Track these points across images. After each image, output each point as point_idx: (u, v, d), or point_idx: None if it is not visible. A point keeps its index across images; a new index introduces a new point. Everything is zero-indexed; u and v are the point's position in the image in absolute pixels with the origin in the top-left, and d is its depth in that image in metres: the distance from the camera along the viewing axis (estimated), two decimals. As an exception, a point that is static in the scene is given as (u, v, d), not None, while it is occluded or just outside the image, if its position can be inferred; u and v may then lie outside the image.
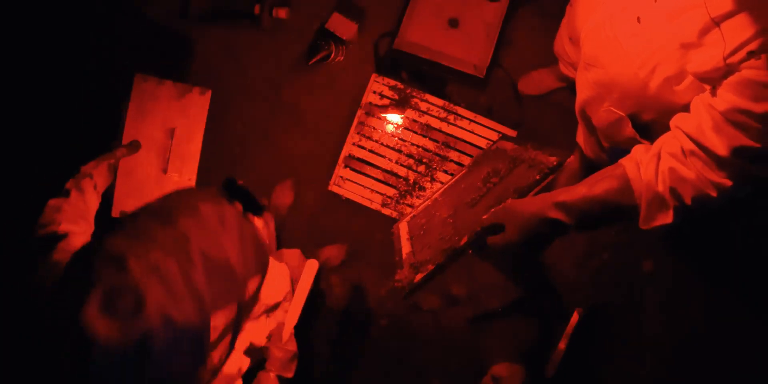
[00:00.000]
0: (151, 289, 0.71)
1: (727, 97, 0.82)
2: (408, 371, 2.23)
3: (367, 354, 2.25)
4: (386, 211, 2.09)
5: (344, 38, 2.21)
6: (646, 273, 2.14)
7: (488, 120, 2.01)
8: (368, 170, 2.08)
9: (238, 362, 1.27)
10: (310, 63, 2.17)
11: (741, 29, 0.77)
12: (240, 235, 0.89)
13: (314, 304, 2.26)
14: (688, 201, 0.90)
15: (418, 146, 2.05)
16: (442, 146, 2.03)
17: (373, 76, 2.05)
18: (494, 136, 2.01)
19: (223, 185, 1.00)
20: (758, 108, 0.78)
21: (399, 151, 2.06)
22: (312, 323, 2.29)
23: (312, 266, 1.52)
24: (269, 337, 1.49)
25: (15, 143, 2.19)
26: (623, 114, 1.19)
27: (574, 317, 2.07)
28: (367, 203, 2.08)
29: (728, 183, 0.86)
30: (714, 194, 0.88)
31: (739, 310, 2.10)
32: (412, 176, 2.05)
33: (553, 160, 1.16)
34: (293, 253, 1.77)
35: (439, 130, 2.03)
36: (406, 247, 1.41)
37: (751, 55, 0.77)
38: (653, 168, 0.93)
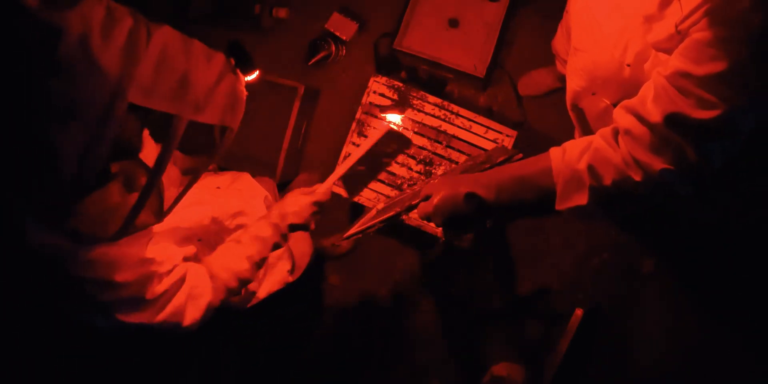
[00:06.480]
0: (95, 13, 0.71)
1: (673, 62, 0.81)
2: (408, 371, 2.23)
3: (368, 354, 2.26)
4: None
5: (344, 38, 2.22)
6: (646, 273, 2.14)
7: (488, 120, 2.01)
8: (368, 170, 2.08)
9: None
10: (310, 63, 2.17)
11: None
12: (218, 75, 0.92)
13: (315, 304, 2.27)
14: (607, 182, 0.87)
15: (418, 146, 2.05)
16: (442, 146, 2.03)
17: (373, 76, 2.05)
18: (494, 136, 2.01)
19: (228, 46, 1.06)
20: (699, 70, 0.76)
21: (399, 151, 2.06)
22: (313, 323, 2.29)
23: (381, 128, 1.37)
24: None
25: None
26: (609, 102, 1.20)
27: (575, 317, 2.07)
28: (366, 202, 2.08)
29: (656, 164, 0.83)
30: (638, 178, 0.84)
31: (739, 310, 2.11)
32: (411, 176, 2.05)
33: (501, 159, 1.18)
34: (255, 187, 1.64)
35: (439, 130, 2.03)
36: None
37: (698, 19, 0.76)
38: (579, 149, 0.92)
